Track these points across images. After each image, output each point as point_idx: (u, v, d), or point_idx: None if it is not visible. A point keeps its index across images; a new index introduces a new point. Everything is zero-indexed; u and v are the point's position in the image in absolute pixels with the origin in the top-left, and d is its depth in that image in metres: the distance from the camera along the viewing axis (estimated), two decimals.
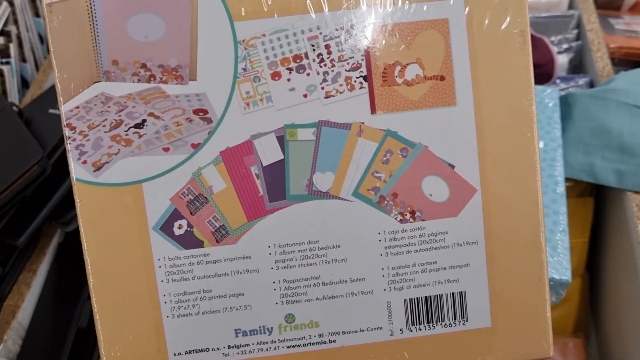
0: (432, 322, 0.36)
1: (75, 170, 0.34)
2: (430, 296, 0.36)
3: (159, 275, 0.35)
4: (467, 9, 0.34)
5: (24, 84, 0.76)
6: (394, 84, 0.35)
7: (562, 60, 0.64)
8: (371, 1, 0.34)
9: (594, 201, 0.58)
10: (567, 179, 0.54)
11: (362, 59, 0.35)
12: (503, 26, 0.35)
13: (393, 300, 0.36)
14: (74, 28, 0.34)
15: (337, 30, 0.34)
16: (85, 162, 0.34)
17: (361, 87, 0.35)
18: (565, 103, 0.55)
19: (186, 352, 0.36)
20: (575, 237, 0.55)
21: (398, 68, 0.35)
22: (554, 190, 0.49)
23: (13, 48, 0.72)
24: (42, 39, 0.80)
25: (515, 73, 0.35)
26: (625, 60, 0.64)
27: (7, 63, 0.71)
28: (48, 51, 0.34)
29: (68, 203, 0.57)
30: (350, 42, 0.34)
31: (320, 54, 0.34)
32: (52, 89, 0.67)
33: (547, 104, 0.53)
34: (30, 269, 0.57)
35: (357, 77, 0.35)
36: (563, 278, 0.45)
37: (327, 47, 0.34)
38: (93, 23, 0.34)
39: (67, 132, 0.34)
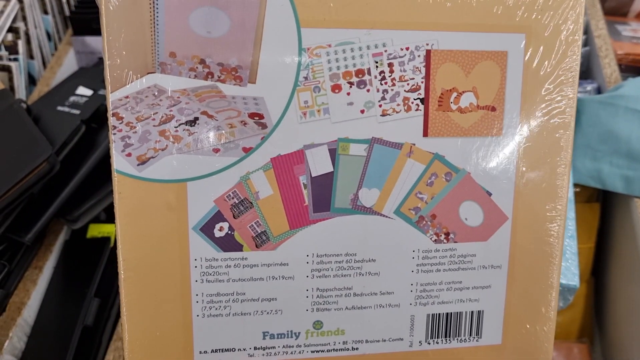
0: (450, 337, 0.38)
1: (118, 162, 0.33)
2: (451, 313, 0.38)
3: (193, 275, 0.35)
4: (525, 44, 0.35)
5: (31, 80, 0.75)
6: (448, 109, 0.35)
7: None
8: (438, 25, 0.34)
9: (600, 207, 0.59)
10: (574, 185, 0.55)
11: (422, 82, 0.35)
12: (554, 65, 0.36)
13: (417, 314, 0.38)
14: (132, 14, 0.32)
15: (401, 49, 0.34)
16: (129, 154, 0.33)
17: (417, 109, 0.35)
18: None
19: (212, 351, 0.36)
20: (581, 242, 0.56)
21: (454, 94, 0.35)
22: None
23: (21, 45, 0.72)
24: (50, 36, 0.80)
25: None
26: (633, 67, 0.65)
27: (15, 59, 0.71)
28: (101, 35, 0.32)
29: (76, 200, 0.57)
30: (412, 63, 0.34)
31: (382, 72, 0.34)
32: (60, 86, 0.66)
33: None
34: (36, 265, 0.56)
35: (414, 99, 0.35)
36: (571, 283, 0.47)
37: (390, 65, 0.34)
38: (154, 11, 0.32)
39: (113, 121, 0.32)
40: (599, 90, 0.63)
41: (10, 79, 0.69)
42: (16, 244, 0.56)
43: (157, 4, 0.31)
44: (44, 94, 0.66)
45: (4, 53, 0.71)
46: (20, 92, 0.71)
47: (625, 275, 0.55)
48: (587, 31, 0.69)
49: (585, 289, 0.60)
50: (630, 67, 0.66)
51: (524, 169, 0.37)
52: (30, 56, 0.76)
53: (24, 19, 0.75)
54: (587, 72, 0.68)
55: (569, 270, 0.47)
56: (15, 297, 0.54)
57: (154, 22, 0.32)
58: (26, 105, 0.60)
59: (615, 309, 0.58)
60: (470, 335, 0.39)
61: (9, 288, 0.54)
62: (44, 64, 0.78)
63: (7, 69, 0.69)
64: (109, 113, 0.32)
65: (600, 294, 0.62)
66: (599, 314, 0.62)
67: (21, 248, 0.56)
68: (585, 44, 0.68)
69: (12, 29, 0.73)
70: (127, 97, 0.32)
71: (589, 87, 0.62)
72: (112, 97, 0.32)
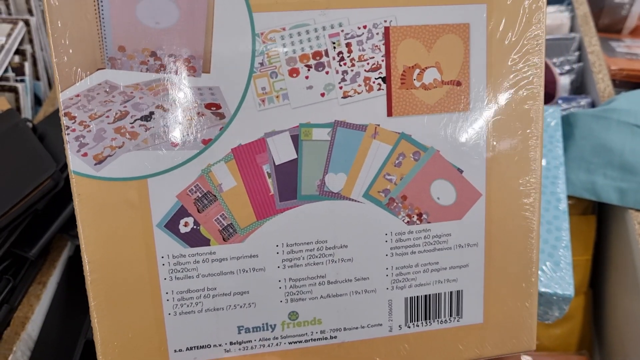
0: (430, 319, 0.38)
1: (74, 162, 0.32)
2: (429, 295, 0.37)
3: (162, 273, 0.34)
4: (487, 14, 0.34)
5: (37, 101, 0.77)
6: (411, 87, 0.34)
7: (563, 82, 0.65)
8: (395, 0, 0.33)
9: (596, 219, 0.59)
10: (569, 197, 0.55)
11: (383, 60, 0.34)
12: (519, 34, 0.35)
13: (394, 299, 0.37)
14: (76, 9, 0.31)
15: (359, 28, 0.33)
16: (85, 154, 0.32)
17: (379, 89, 0.34)
18: (567, 122, 0.56)
19: (187, 349, 0.35)
20: (578, 254, 0.56)
21: (417, 71, 0.34)
22: (557, 207, 0.50)
23: (27, 66, 0.74)
24: None
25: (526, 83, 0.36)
26: (626, 82, 0.66)
27: (22, 81, 0.73)
28: (46, 34, 0.31)
29: None
30: (371, 41, 0.33)
31: (340, 52, 0.33)
32: None
33: (550, 122, 0.54)
34: (40, 281, 0.56)
35: (376, 78, 0.34)
36: (566, 293, 0.47)
37: (348, 45, 0.33)
38: (98, 4, 0.31)
39: (65, 121, 0.32)
40: (592, 105, 0.63)
41: (17, 100, 0.72)
42: (21, 259, 0.56)
43: None
44: (49, 114, 0.67)
45: (11, 74, 0.73)
46: (27, 112, 0.73)
47: (623, 286, 0.55)
48: (580, 47, 0.70)
49: (584, 300, 0.60)
50: (624, 82, 0.67)
51: (494, 143, 0.36)
52: (37, 77, 0.77)
53: (31, 41, 0.77)
54: (581, 87, 0.69)
55: (564, 279, 0.47)
56: (19, 312, 0.54)
57: (99, 16, 0.31)
58: (32, 124, 0.61)
59: (613, 321, 0.57)
60: (450, 316, 0.38)
61: (13, 303, 0.54)
62: (50, 85, 0.80)
63: (14, 90, 0.72)
64: (61, 113, 0.31)
65: (599, 305, 0.62)
66: (598, 326, 0.62)
67: (26, 263, 0.56)
68: (579, 60, 0.69)
69: (19, 51, 0.75)
70: (77, 95, 0.31)
71: (583, 102, 0.62)
72: (63, 97, 0.31)
